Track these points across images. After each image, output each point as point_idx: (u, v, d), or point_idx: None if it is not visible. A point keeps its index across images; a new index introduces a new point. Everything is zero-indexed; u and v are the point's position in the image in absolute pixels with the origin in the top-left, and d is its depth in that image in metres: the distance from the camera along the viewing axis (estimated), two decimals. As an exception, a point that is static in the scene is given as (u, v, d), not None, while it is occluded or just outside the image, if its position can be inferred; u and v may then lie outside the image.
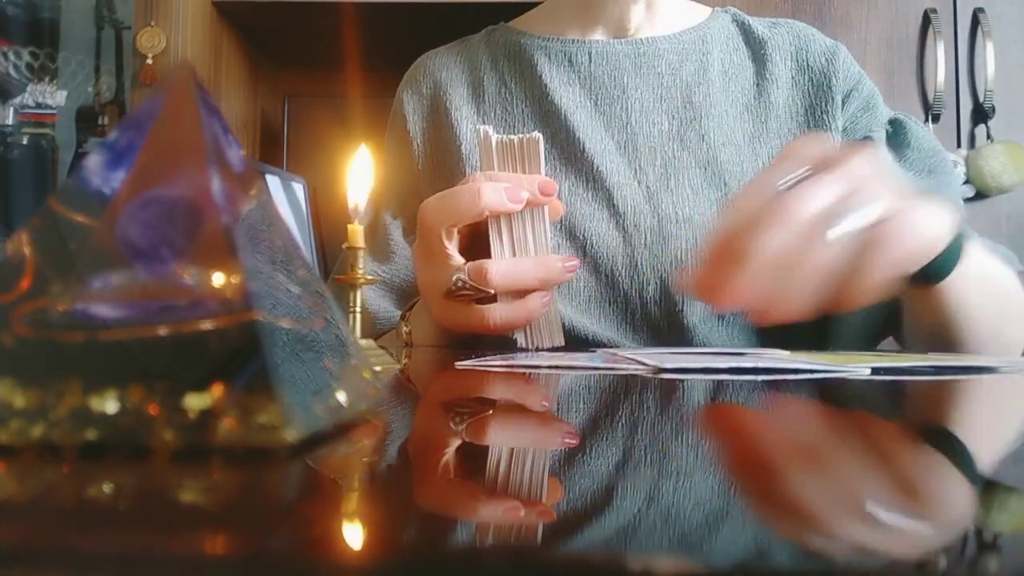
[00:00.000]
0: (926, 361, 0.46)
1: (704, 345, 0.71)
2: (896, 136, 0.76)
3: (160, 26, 1.33)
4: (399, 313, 0.78)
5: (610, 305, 0.70)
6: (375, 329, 0.77)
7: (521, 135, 0.61)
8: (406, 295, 0.79)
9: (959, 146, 1.34)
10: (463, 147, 0.78)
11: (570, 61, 0.79)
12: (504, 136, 0.60)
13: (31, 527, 0.14)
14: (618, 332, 0.71)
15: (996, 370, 0.45)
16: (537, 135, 0.61)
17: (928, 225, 0.50)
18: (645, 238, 0.71)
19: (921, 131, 0.77)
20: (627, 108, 0.77)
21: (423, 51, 0.88)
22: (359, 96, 1.58)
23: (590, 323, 0.70)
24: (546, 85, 0.78)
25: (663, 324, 0.71)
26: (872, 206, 0.46)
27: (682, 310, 0.70)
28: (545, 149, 0.61)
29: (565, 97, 0.78)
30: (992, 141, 1.33)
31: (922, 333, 0.65)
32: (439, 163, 0.80)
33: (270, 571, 0.13)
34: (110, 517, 0.15)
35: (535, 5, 0.89)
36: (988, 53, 1.32)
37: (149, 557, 0.13)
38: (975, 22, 1.34)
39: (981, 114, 1.34)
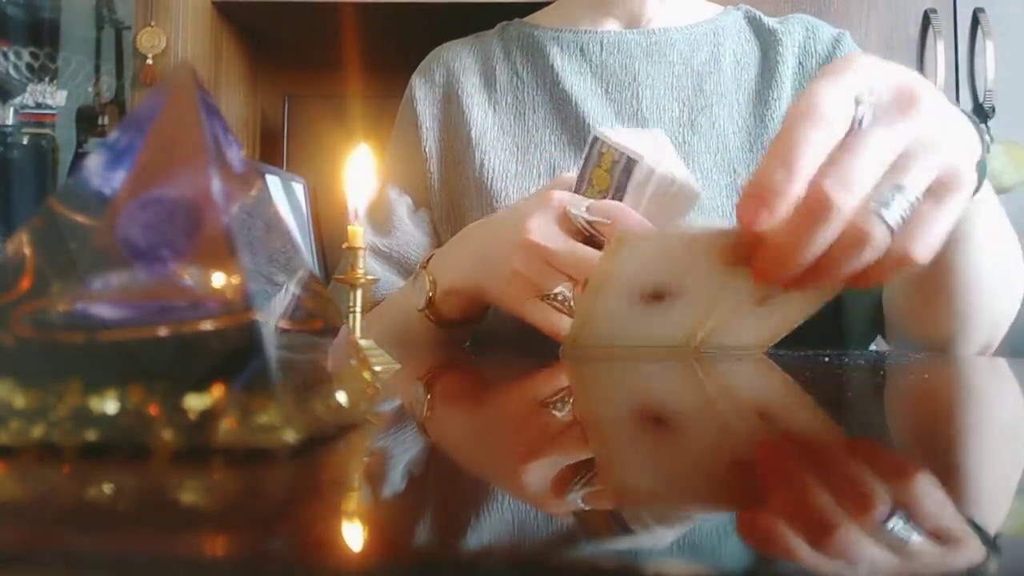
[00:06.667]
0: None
1: None
2: None
3: (160, 26, 1.33)
4: (401, 283, 0.77)
5: None
6: (376, 295, 0.77)
7: (683, 181, 0.53)
8: (405, 269, 0.79)
9: (959, 146, 1.34)
10: (473, 132, 0.79)
11: (582, 50, 0.80)
12: (666, 171, 0.52)
13: (31, 527, 0.14)
14: None
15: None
16: (698, 191, 0.54)
17: (968, 153, 0.43)
18: None
19: None
20: (638, 95, 0.78)
21: (423, 51, 0.89)
22: (359, 96, 1.58)
23: None
24: (558, 74, 0.80)
25: None
26: (927, 175, 0.39)
27: None
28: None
29: (576, 85, 0.79)
30: (992, 141, 1.33)
31: (913, 302, 0.59)
32: (448, 147, 0.82)
33: (270, 571, 0.13)
34: (110, 517, 0.15)
35: (538, 6, 0.89)
36: (988, 53, 1.32)
37: (149, 557, 0.13)
38: (975, 22, 1.34)
39: (981, 114, 1.34)
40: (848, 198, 0.37)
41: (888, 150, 0.38)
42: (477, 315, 0.64)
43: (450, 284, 0.60)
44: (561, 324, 0.51)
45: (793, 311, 0.47)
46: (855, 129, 0.38)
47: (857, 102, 0.39)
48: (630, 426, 0.27)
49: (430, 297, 0.60)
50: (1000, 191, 1.31)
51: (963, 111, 0.46)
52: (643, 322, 0.45)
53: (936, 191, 0.39)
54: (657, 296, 0.42)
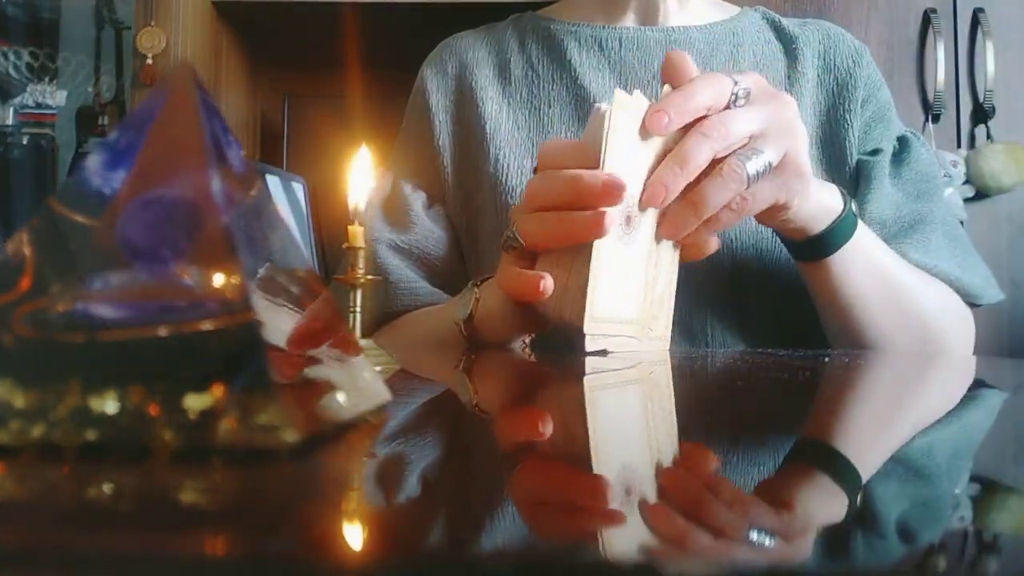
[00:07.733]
0: None
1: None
2: (900, 153, 0.76)
3: (160, 26, 1.33)
4: (424, 284, 0.76)
5: None
6: (398, 303, 0.75)
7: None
8: (427, 266, 0.78)
9: (959, 146, 1.34)
10: (488, 126, 0.78)
11: (600, 46, 0.79)
12: (604, 106, 0.53)
13: (31, 527, 0.14)
14: None
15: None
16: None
17: (821, 192, 0.59)
18: None
19: (924, 154, 0.77)
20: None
21: (424, 51, 0.88)
22: (359, 96, 1.58)
23: None
24: (576, 69, 0.78)
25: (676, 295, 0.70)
26: (782, 144, 0.53)
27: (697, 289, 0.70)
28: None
29: (595, 81, 0.78)
30: (992, 141, 1.32)
31: (828, 327, 0.68)
32: (463, 141, 0.80)
33: (270, 571, 0.13)
34: (110, 517, 0.15)
35: (540, 5, 0.89)
36: (988, 53, 1.32)
37: (149, 557, 0.13)
38: (975, 22, 1.34)
39: (981, 114, 1.34)
40: (715, 138, 0.52)
41: (755, 123, 0.53)
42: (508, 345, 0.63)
43: (493, 306, 0.59)
44: (519, 273, 0.52)
45: (670, 264, 0.59)
46: (731, 105, 0.54)
47: (733, 87, 0.53)
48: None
49: (471, 314, 0.60)
50: (1000, 191, 1.31)
51: (834, 182, 0.64)
52: (621, 264, 0.52)
53: (779, 167, 0.54)
54: (628, 220, 0.52)
